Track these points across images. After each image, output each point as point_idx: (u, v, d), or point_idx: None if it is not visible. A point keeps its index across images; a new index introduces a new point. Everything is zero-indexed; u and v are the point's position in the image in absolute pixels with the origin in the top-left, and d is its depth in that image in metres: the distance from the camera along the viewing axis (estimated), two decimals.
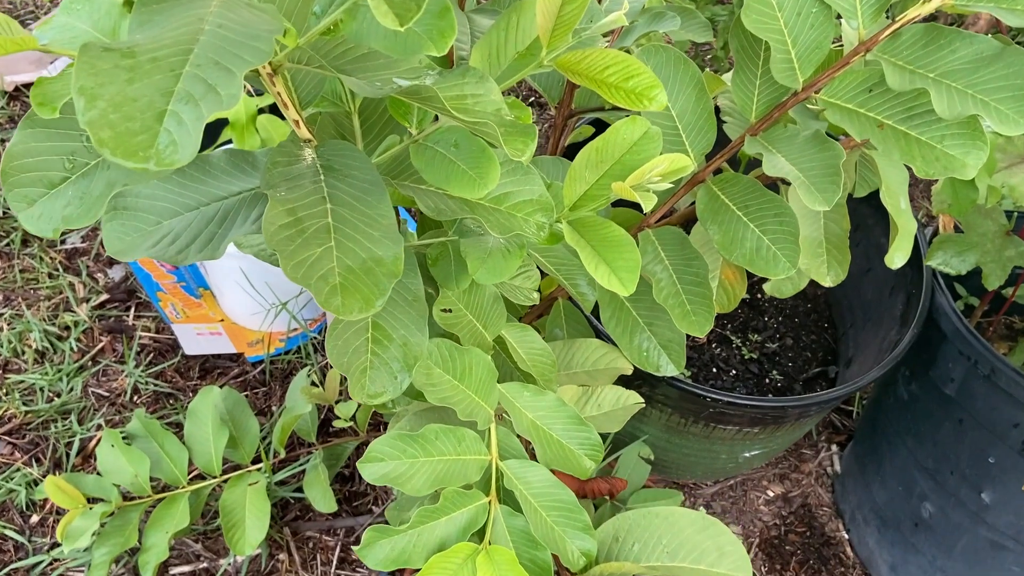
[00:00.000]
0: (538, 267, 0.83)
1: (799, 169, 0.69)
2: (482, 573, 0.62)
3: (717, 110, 0.86)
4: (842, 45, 0.81)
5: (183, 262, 0.57)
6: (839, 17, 0.70)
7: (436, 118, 0.61)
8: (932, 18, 1.94)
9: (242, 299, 1.42)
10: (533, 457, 0.72)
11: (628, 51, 0.97)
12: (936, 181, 1.19)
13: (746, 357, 1.36)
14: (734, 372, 1.33)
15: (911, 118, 0.67)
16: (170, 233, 0.57)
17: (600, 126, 1.22)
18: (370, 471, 0.64)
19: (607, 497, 0.98)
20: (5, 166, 0.49)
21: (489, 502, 0.67)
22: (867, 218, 1.31)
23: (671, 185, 0.60)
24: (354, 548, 1.24)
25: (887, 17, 0.70)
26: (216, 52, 0.37)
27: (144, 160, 0.34)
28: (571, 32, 0.55)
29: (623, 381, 0.90)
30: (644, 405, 0.90)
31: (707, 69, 2.11)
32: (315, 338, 1.48)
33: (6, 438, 1.32)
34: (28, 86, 1.95)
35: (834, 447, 1.49)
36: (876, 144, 0.68)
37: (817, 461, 1.47)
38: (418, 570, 0.62)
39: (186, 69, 0.37)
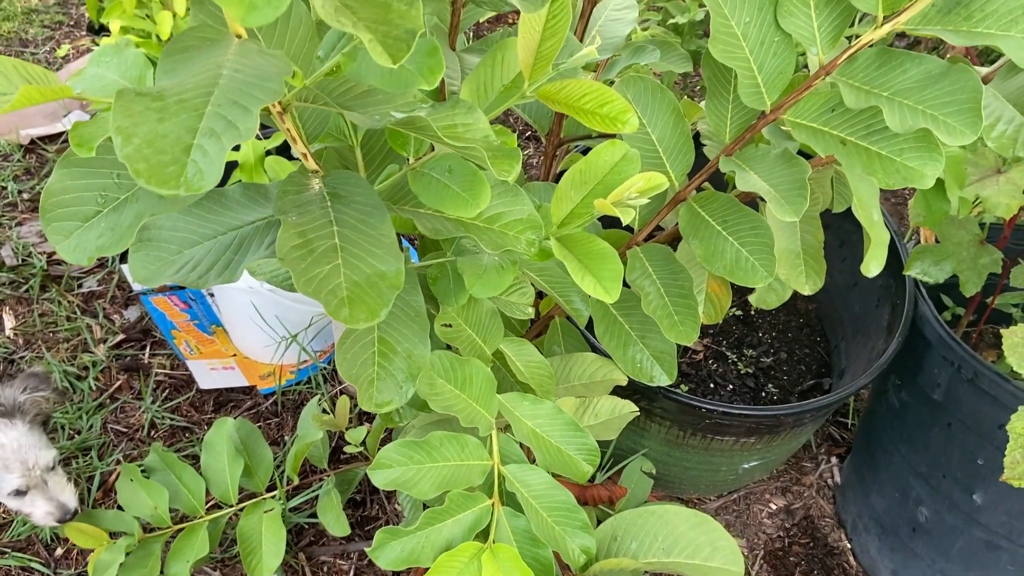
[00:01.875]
0: (534, 287, 0.88)
1: (770, 184, 0.74)
2: (487, 570, 0.66)
3: (697, 135, 0.92)
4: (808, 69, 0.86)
5: (203, 286, 0.62)
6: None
7: (431, 148, 0.67)
8: (916, 42, 2.00)
9: (254, 333, 1.48)
10: (534, 463, 0.76)
11: (611, 82, 1.04)
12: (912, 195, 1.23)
13: (742, 372, 1.40)
14: (731, 387, 1.37)
15: (871, 134, 0.72)
16: (191, 260, 0.62)
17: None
18: (380, 477, 0.68)
19: (608, 506, 1.02)
20: (44, 203, 0.54)
21: (492, 504, 0.72)
22: (851, 233, 1.36)
23: (649, 200, 0.65)
24: (367, 570, 1.28)
25: (847, 40, 0.76)
26: (234, 93, 0.43)
27: (175, 187, 0.40)
28: (550, 65, 0.61)
29: (623, 396, 0.94)
30: (641, 415, 0.95)
31: (696, 99, 2.18)
32: (324, 368, 1.53)
33: None
34: (43, 139, 2.03)
35: (834, 459, 1.52)
36: (840, 160, 0.73)
37: (818, 473, 1.50)
38: (427, 569, 0.67)
39: (208, 108, 0.42)
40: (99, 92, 0.53)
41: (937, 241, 1.20)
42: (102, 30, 2.27)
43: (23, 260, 1.71)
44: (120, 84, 0.54)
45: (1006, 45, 0.66)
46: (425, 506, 1.00)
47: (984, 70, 0.88)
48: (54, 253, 1.74)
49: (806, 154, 0.83)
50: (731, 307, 1.40)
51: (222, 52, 0.46)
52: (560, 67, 0.60)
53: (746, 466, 1.28)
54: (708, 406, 1.07)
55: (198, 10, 0.58)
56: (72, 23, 2.49)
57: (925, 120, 0.65)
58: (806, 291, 0.88)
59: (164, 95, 0.42)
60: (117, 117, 0.41)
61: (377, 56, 0.38)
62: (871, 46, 0.71)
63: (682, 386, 1.36)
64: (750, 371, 1.40)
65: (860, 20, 1.61)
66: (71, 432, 1.42)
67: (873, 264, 0.89)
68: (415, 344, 0.65)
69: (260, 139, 1.35)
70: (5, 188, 1.87)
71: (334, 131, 0.71)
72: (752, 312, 1.50)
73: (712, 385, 1.37)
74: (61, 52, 2.16)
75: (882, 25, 0.70)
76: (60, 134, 2.04)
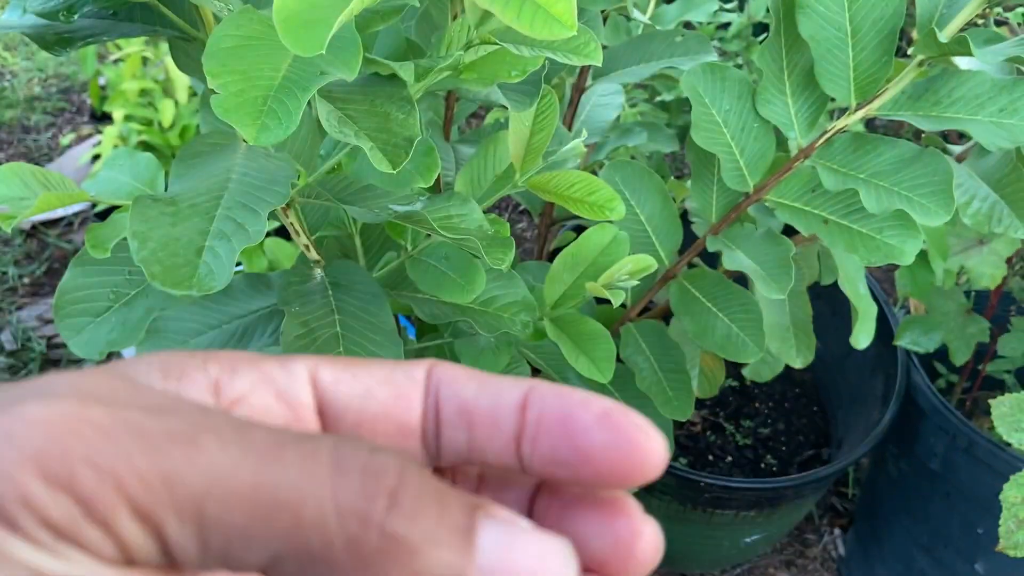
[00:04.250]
0: (530, 364, 0.89)
1: (756, 263, 0.76)
2: None
3: (686, 212, 0.95)
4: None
5: None
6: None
7: (428, 235, 0.69)
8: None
9: None
10: None
11: (601, 164, 1.07)
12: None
13: (740, 443, 1.40)
14: (730, 459, 1.37)
15: (851, 213, 0.75)
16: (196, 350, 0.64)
17: (581, 230, 1.31)
18: None
19: None
20: (58, 300, 0.56)
21: None
22: (844, 303, 1.37)
23: (638, 282, 0.68)
24: None
25: (833, 117, 0.80)
26: (243, 196, 0.46)
27: (188, 288, 0.42)
28: (540, 156, 0.64)
29: None
30: (641, 491, 0.95)
31: (684, 170, 2.24)
32: None
33: None
34: (44, 224, 2.07)
35: (837, 530, 1.51)
36: (822, 238, 0.76)
37: (821, 545, 1.49)
38: None
39: (219, 212, 0.45)
40: (112, 195, 0.56)
41: (927, 310, 1.22)
42: (105, 118, 2.33)
43: (23, 344, 1.72)
44: (133, 187, 0.57)
45: (974, 129, 0.69)
46: None
47: (959, 148, 0.91)
48: (54, 336, 1.75)
49: (792, 229, 0.86)
50: (727, 377, 1.41)
51: (231, 157, 0.49)
52: (550, 159, 0.63)
53: (748, 540, 1.27)
54: (707, 480, 1.08)
55: (207, 113, 0.61)
56: (74, 110, 2.56)
57: (900, 201, 0.68)
58: (797, 364, 0.89)
59: (177, 200, 0.45)
60: (134, 222, 0.43)
61: (377, 163, 0.41)
62: (847, 131, 0.74)
63: (681, 459, 1.36)
64: (748, 442, 1.41)
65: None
66: None
67: (862, 337, 0.91)
68: None
69: None
70: (5, 273, 1.89)
71: (335, 221, 0.74)
72: (748, 382, 1.51)
73: (711, 457, 1.37)
74: (65, 141, 2.22)
75: (855, 111, 0.73)
76: (61, 219, 2.08)
